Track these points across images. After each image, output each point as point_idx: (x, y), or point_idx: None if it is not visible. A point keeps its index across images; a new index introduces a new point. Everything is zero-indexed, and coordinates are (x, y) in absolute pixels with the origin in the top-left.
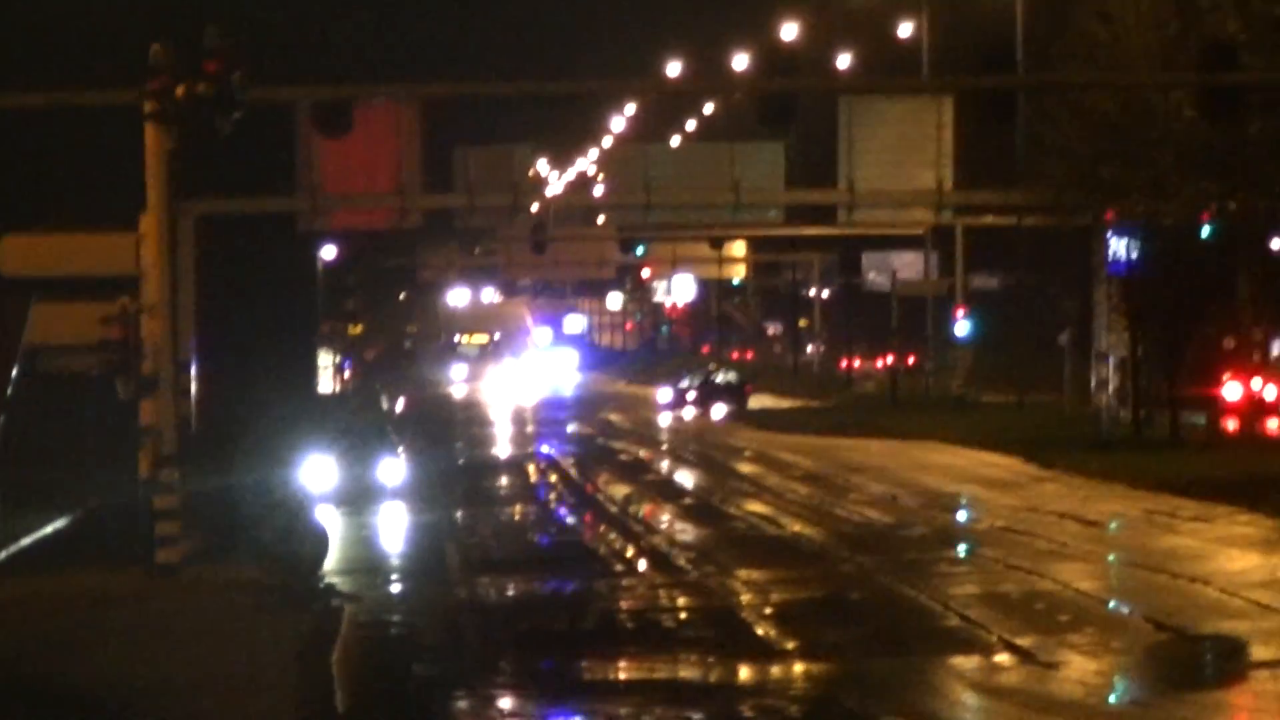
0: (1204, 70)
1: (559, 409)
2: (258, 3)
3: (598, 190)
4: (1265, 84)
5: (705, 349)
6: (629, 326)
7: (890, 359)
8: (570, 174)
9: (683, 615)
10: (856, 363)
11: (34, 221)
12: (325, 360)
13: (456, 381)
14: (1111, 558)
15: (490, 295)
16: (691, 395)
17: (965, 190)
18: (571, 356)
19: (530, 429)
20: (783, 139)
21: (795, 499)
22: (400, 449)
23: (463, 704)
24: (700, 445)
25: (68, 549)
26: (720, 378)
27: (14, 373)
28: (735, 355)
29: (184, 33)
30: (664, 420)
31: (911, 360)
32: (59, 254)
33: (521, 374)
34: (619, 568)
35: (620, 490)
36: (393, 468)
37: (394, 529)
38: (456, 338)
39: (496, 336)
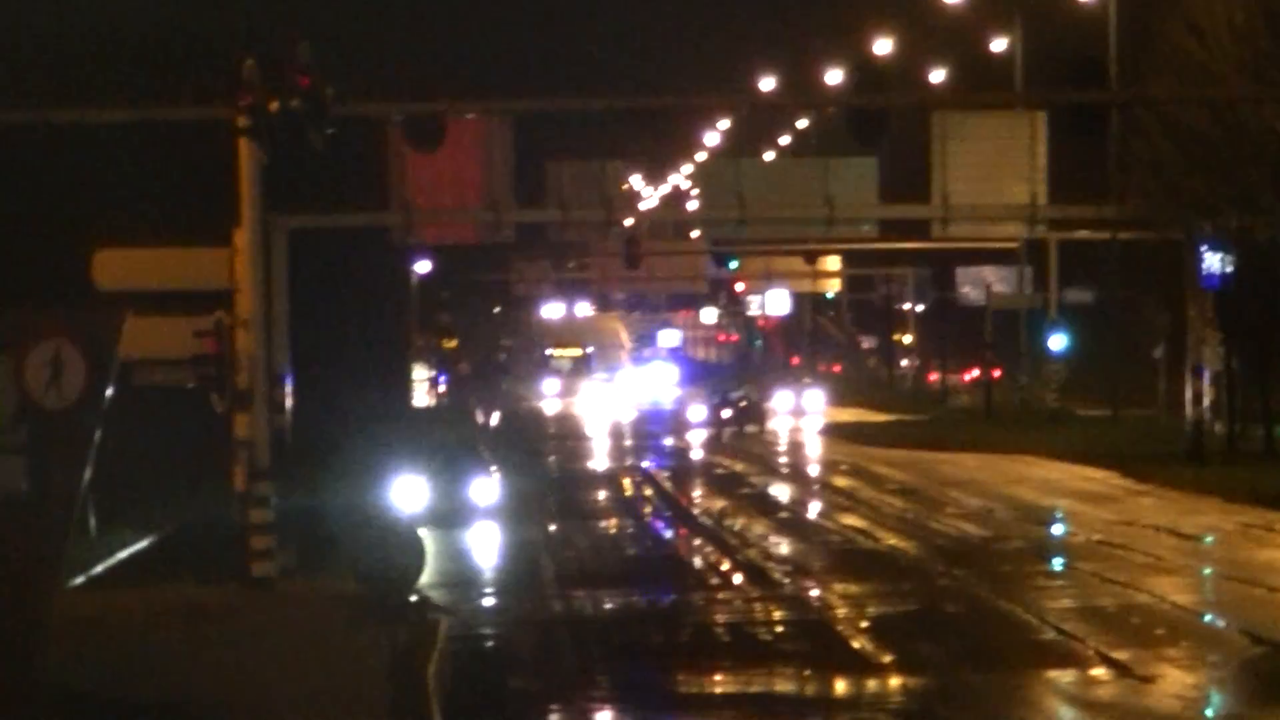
0: None
1: (654, 423)
2: (349, 18)
3: (691, 205)
4: None
5: (794, 361)
6: (724, 338)
7: (979, 372)
8: (664, 188)
9: (778, 629)
10: (942, 376)
11: (128, 236)
12: (420, 374)
13: (549, 396)
14: (1207, 571)
15: (584, 309)
16: (714, 414)
17: (1058, 204)
18: (670, 371)
19: (626, 443)
20: (875, 154)
21: (891, 512)
22: (493, 465)
23: (558, 717)
24: (795, 459)
25: (162, 563)
26: (736, 395)
27: (109, 387)
28: (822, 368)
29: (276, 48)
30: (725, 437)
31: (997, 373)
32: (153, 268)
33: (616, 388)
34: (714, 581)
35: (715, 504)
36: (486, 484)
37: (488, 544)
38: (548, 351)
39: (589, 350)
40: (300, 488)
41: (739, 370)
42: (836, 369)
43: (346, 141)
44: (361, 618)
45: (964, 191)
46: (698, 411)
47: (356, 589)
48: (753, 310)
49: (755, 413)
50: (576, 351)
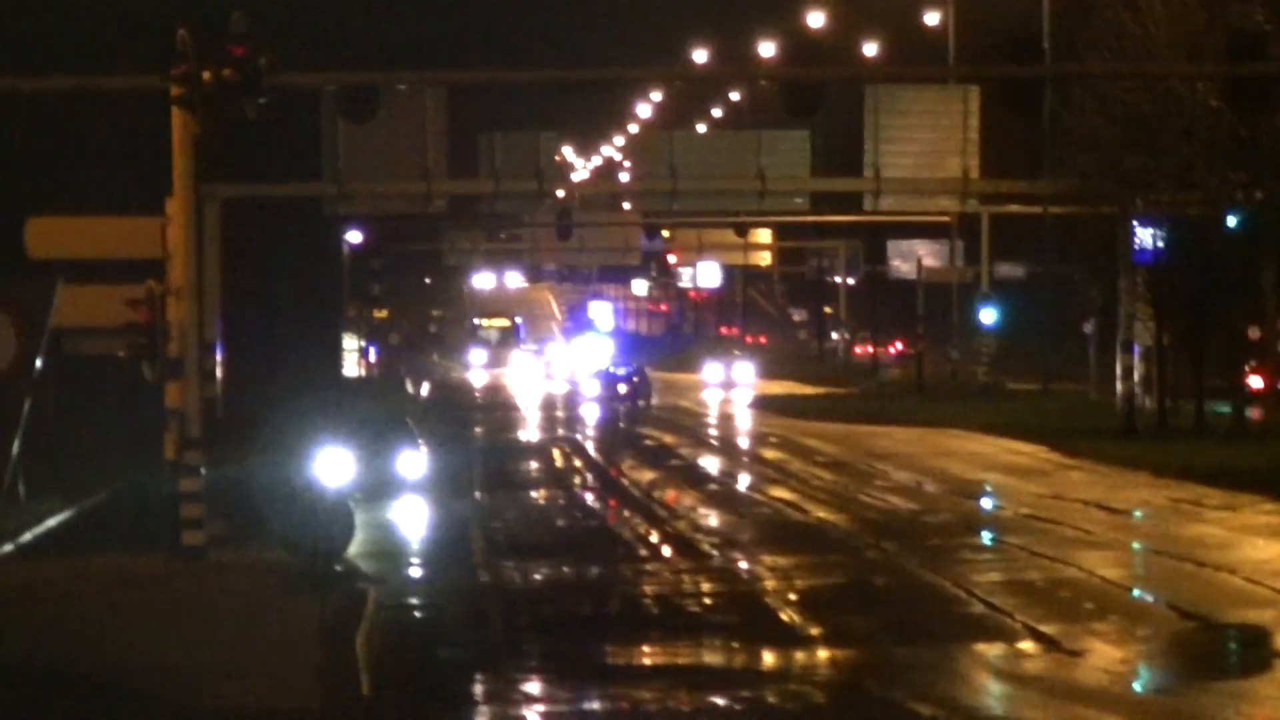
0: (1230, 61)
1: (583, 395)
2: None
3: (623, 177)
4: None
5: (724, 332)
6: (663, 307)
7: (902, 345)
8: (596, 160)
9: (707, 600)
10: (870, 349)
11: (60, 205)
12: (350, 344)
13: (475, 366)
14: (1136, 546)
15: (515, 280)
16: (609, 390)
17: (991, 179)
18: (606, 344)
19: (556, 414)
20: (808, 127)
21: (820, 485)
22: (421, 438)
23: (486, 687)
24: (724, 431)
25: (92, 532)
26: (629, 371)
27: (39, 355)
28: (749, 340)
29: (210, 18)
30: (683, 405)
31: (920, 347)
32: (85, 236)
33: (546, 359)
34: (643, 552)
35: (645, 476)
36: (414, 456)
37: (416, 516)
38: (475, 321)
39: (517, 320)
40: (230, 458)
41: (654, 344)
42: (762, 340)
43: (279, 112)
44: (291, 587)
45: (897, 165)
46: (592, 387)
47: (286, 559)
48: (684, 282)
49: (645, 389)
50: (504, 322)
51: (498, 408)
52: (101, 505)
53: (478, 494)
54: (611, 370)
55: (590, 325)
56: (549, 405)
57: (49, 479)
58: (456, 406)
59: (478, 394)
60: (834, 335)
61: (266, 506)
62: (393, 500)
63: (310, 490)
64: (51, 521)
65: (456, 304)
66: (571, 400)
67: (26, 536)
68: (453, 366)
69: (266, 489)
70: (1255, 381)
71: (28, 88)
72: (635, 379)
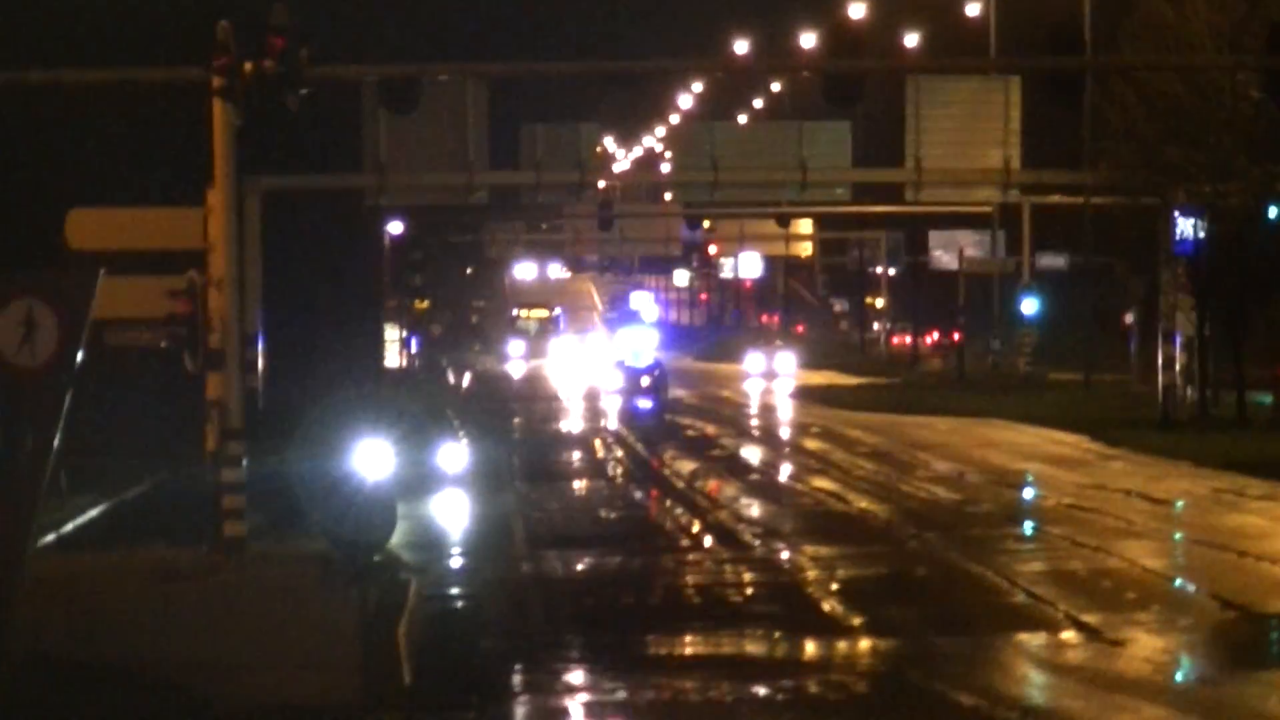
0: (1270, 52)
1: (626, 385)
2: None
3: (664, 168)
4: None
5: (764, 320)
6: (702, 297)
7: (938, 335)
8: (637, 151)
9: (748, 591)
10: (907, 340)
11: (102, 196)
12: (392, 335)
13: (514, 357)
14: (1178, 536)
15: (557, 271)
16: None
17: (1032, 170)
18: (651, 336)
19: (598, 405)
20: (849, 118)
21: (861, 475)
22: (462, 429)
23: (528, 678)
24: (766, 421)
25: (133, 524)
26: (650, 365)
27: (81, 348)
28: (795, 329)
29: (251, 9)
30: (724, 395)
31: (957, 337)
32: (126, 228)
33: (587, 349)
34: (685, 543)
35: (686, 466)
36: (455, 448)
37: (457, 507)
38: (515, 312)
39: (557, 311)
40: (272, 449)
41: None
42: (799, 329)
43: (321, 103)
44: (332, 578)
45: (938, 156)
46: (614, 380)
47: (327, 550)
48: (725, 273)
49: (664, 383)
50: (544, 313)
51: (538, 398)
52: (143, 497)
53: (519, 485)
54: (633, 364)
55: (634, 316)
56: (590, 396)
57: (91, 471)
58: (498, 397)
59: (518, 385)
60: (875, 326)
61: (306, 499)
62: (433, 492)
63: (350, 482)
64: (93, 513)
65: (498, 295)
66: (623, 389)
67: (68, 528)
68: (492, 358)
69: (306, 482)
70: None
71: (70, 79)
72: (656, 372)
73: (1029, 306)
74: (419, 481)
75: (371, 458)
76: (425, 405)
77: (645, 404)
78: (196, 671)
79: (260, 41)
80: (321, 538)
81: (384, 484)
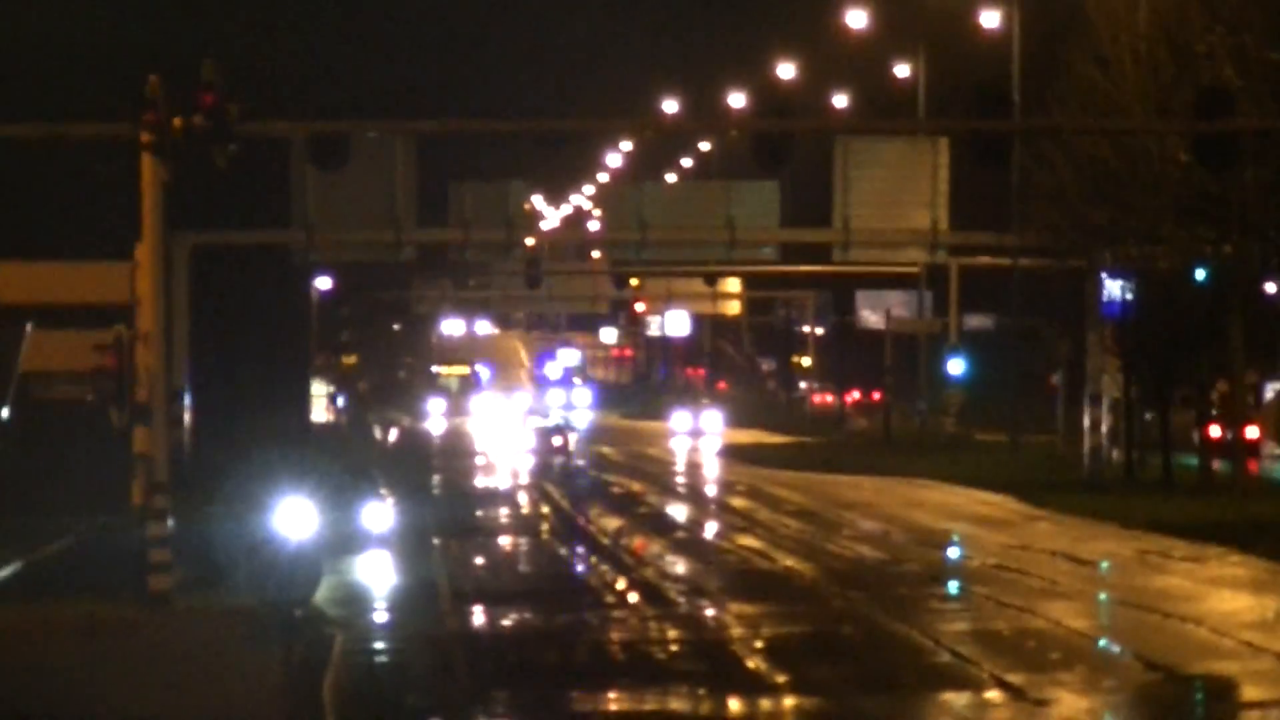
0: (1199, 116)
1: (550, 442)
2: (253, 38)
3: (592, 226)
4: (1260, 131)
5: (690, 374)
6: (627, 352)
7: (859, 395)
8: (565, 209)
9: (673, 648)
10: (828, 399)
11: (29, 250)
12: (319, 390)
13: (434, 415)
14: (1103, 596)
15: (485, 328)
16: (544, 441)
17: (960, 231)
18: (584, 395)
19: (522, 463)
20: (778, 178)
21: (787, 534)
22: (387, 487)
23: None
24: (692, 479)
25: (59, 577)
26: (563, 422)
27: (7, 400)
28: (717, 386)
29: (180, 67)
30: (651, 452)
31: (876, 396)
32: (54, 282)
33: (512, 406)
34: (610, 599)
35: (612, 523)
36: (380, 506)
37: (382, 564)
38: (434, 369)
39: (476, 368)
40: (198, 503)
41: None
42: (721, 385)
43: (250, 160)
44: (258, 634)
45: (866, 216)
46: (527, 438)
47: (253, 604)
48: (652, 331)
49: (572, 442)
50: (464, 370)
51: (462, 455)
52: (68, 550)
53: (444, 542)
54: (545, 423)
55: (568, 375)
56: (515, 454)
57: (15, 523)
58: (423, 454)
59: (442, 442)
60: (802, 385)
61: (231, 555)
62: (358, 549)
63: (274, 540)
64: (15, 566)
65: (426, 351)
66: (536, 449)
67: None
68: (412, 416)
69: (232, 538)
70: (1215, 433)
71: None
72: (568, 432)
73: (956, 367)
74: (343, 539)
75: (296, 515)
76: (350, 461)
77: (556, 460)
78: None
79: (190, 98)
80: (247, 593)
81: (308, 541)
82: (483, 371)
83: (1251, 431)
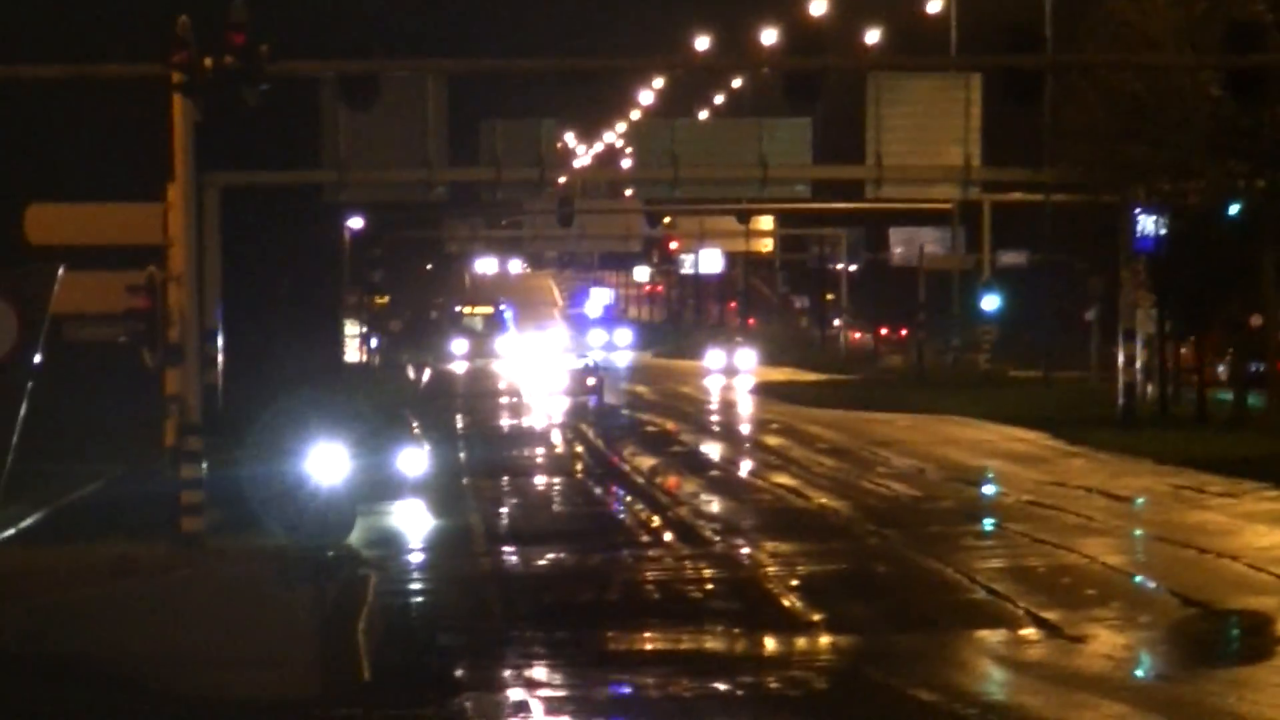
0: (1231, 50)
1: (584, 382)
2: None
3: (624, 164)
4: None
5: (732, 307)
6: (658, 289)
7: (886, 331)
8: (597, 148)
9: (708, 587)
10: (858, 336)
11: (60, 192)
12: (351, 330)
13: (457, 357)
14: (1138, 532)
15: (517, 267)
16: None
17: (992, 167)
18: (625, 334)
19: (555, 401)
20: (810, 115)
21: (821, 472)
22: (420, 427)
23: (486, 673)
24: (726, 418)
25: (93, 518)
26: (597, 363)
27: (40, 342)
28: (747, 323)
29: (210, 6)
30: (685, 391)
31: (904, 332)
32: (86, 223)
33: (543, 345)
34: (645, 539)
35: (646, 462)
36: (413, 447)
37: (416, 505)
38: (458, 309)
39: (502, 307)
40: (231, 445)
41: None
42: (750, 322)
43: (280, 99)
44: (291, 574)
45: (898, 153)
46: (560, 379)
47: (285, 545)
48: (685, 269)
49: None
50: (488, 310)
51: (493, 395)
52: (102, 491)
53: (477, 481)
54: (578, 363)
55: (609, 312)
56: (547, 394)
57: (50, 465)
58: (456, 394)
59: (473, 382)
60: (835, 322)
61: (264, 499)
62: (392, 490)
63: (306, 485)
64: (50, 508)
65: (458, 291)
66: (568, 389)
67: (26, 523)
68: (438, 357)
69: (264, 481)
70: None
71: (27, 75)
72: (599, 373)
73: (989, 303)
74: (377, 481)
75: (329, 459)
76: (382, 404)
77: (587, 401)
78: (154, 666)
79: (219, 37)
80: (281, 533)
81: (341, 484)
82: (507, 313)
83: None
